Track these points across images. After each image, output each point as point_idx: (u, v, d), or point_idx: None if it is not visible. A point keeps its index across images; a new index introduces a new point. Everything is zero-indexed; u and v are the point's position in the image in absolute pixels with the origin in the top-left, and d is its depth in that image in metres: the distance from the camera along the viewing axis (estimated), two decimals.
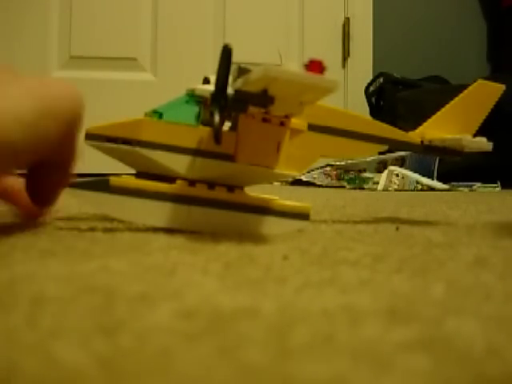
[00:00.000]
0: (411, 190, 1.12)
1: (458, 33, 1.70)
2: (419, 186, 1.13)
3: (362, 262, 0.24)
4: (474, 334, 0.14)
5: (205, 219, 0.33)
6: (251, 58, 1.47)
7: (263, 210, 0.34)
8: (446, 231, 0.37)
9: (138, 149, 0.33)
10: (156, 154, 0.33)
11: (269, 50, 1.50)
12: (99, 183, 0.32)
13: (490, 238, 0.34)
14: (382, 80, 1.46)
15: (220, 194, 0.33)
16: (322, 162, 1.25)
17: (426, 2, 1.70)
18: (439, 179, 1.17)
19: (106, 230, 0.32)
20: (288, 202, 0.34)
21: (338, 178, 1.23)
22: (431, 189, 1.13)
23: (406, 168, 1.19)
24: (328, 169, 1.24)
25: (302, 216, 0.34)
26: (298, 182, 1.21)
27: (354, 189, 1.17)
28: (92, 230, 0.32)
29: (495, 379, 0.11)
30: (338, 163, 1.23)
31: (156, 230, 0.32)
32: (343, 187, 1.20)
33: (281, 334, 0.14)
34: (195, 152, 0.33)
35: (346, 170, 1.23)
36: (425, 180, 1.15)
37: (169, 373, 0.11)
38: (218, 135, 0.30)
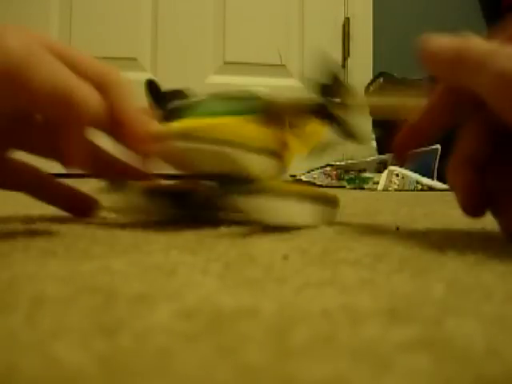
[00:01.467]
0: (411, 190, 1.12)
1: (458, 33, 1.70)
2: (419, 186, 1.13)
3: (362, 262, 0.24)
4: (474, 334, 0.14)
5: None
6: (251, 57, 1.47)
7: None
8: (445, 231, 0.37)
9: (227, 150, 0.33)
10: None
11: (269, 50, 1.50)
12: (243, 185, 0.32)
13: (490, 237, 0.34)
14: (381, 80, 1.46)
15: None
16: (321, 162, 1.25)
17: (426, 2, 1.70)
18: (439, 179, 1.17)
19: (106, 230, 0.32)
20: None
21: (338, 178, 1.23)
22: (431, 189, 1.13)
23: (406, 168, 1.19)
24: (328, 169, 1.24)
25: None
26: (297, 182, 1.21)
27: (354, 189, 1.17)
28: (92, 229, 0.32)
29: (495, 379, 0.11)
30: (338, 163, 1.23)
31: (156, 230, 0.32)
32: (343, 187, 1.20)
33: (281, 334, 0.14)
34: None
35: (346, 170, 1.23)
36: (425, 180, 1.15)
37: (169, 373, 0.11)
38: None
